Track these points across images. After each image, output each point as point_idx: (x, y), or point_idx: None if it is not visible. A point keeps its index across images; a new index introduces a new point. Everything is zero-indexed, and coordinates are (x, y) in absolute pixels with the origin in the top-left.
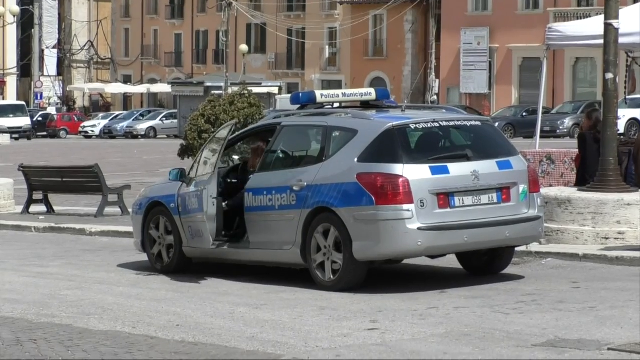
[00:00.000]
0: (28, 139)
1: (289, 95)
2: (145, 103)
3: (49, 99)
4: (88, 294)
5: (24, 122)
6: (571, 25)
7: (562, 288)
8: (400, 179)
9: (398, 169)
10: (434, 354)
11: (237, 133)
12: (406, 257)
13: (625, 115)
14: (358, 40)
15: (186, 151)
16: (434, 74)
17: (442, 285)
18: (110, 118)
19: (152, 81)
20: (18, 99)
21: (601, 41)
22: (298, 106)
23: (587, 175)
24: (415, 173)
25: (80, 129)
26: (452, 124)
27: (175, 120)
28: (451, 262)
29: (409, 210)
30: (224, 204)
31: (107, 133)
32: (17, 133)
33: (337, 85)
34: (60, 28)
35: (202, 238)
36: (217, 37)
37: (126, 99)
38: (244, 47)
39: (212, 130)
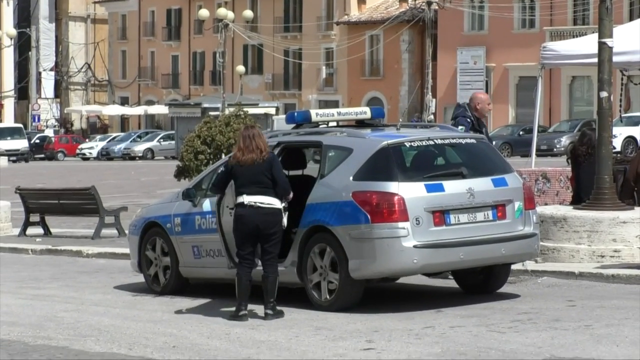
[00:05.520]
0: (26, 162)
1: None
2: (142, 124)
3: (47, 121)
4: (84, 315)
5: (21, 144)
6: (566, 44)
7: (558, 306)
8: (396, 197)
9: (393, 187)
10: None
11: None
12: (402, 275)
13: (621, 133)
14: (355, 60)
15: (182, 172)
16: (430, 93)
17: (438, 304)
18: (108, 140)
19: (150, 103)
20: (15, 121)
21: (595, 60)
22: (293, 125)
23: (583, 193)
24: (410, 191)
25: (77, 151)
26: (447, 141)
27: (173, 142)
28: (447, 280)
29: (404, 228)
30: None
31: (105, 155)
32: (14, 155)
33: (334, 105)
34: (57, 50)
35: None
36: (213, 58)
37: (123, 121)
38: (240, 68)
39: (208, 151)
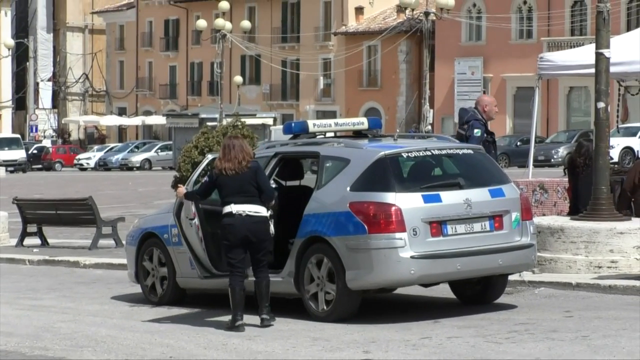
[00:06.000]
0: (23, 172)
1: None
2: (140, 135)
3: (44, 132)
4: (81, 326)
5: (19, 155)
6: (563, 55)
7: (555, 317)
8: (393, 208)
9: (390, 197)
10: None
11: None
12: (399, 286)
13: (619, 143)
14: (352, 71)
15: (180, 183)
16: (428, 103)
17: (435, 315)
18: (105, 150)
19: (147, 113)
20: (13, 131)
21: (593, 70)
22: (291, 136)
23: (580, 204)
24: (407, 201)
25: (75, 162)
26: (444, 152)
27: (170, 152)
28: (444, 291)
29: (401, 239)
30: None
31: (102, 165)
32: (12, 166)
33: (332, 116)
34: (55, 61)
35: None
36: (211, 68)
37: (121, 131)
38: (238, 79)
39: None
